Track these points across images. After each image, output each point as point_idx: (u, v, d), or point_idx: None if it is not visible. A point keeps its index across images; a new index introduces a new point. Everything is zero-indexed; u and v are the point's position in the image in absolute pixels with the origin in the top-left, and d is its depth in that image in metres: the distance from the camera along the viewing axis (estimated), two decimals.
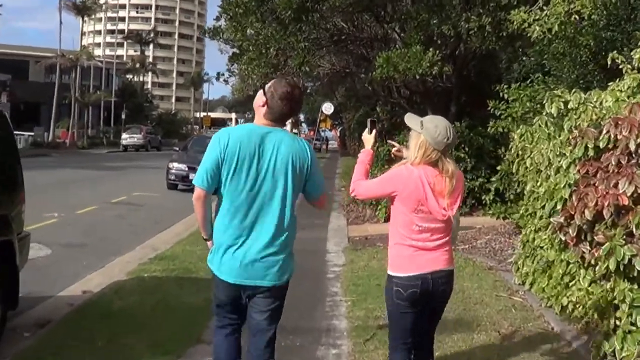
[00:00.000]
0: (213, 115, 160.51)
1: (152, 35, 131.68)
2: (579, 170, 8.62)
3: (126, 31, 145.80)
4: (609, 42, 13.73)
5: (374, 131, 6.43)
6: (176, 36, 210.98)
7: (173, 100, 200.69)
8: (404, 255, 5.85)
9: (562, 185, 9.12)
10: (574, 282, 9.12)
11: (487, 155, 20.13)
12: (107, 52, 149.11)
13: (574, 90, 10.22)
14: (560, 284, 9.52)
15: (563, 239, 8.76)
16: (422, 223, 5.75)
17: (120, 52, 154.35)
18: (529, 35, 13.80)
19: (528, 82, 16.11)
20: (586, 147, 8.66)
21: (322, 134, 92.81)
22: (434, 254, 5.83)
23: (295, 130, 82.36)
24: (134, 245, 16.12)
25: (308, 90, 70.24)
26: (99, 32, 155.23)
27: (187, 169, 29.04)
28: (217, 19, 21.17)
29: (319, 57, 24.49)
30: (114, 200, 25.38)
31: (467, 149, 19.60)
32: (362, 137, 6.54)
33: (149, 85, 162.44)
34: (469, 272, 12.81)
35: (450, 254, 5.97)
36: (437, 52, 17.32)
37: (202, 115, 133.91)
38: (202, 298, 10.10)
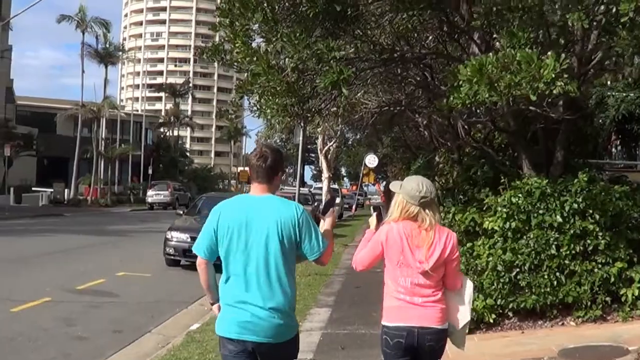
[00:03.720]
0: None
1: (186, 87, 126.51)
2: None
3: (164, 84, 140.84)
4: None
5: (374, 214, 6.82)
6: (215, 89, 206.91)
7: (212, 154, 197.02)
8: (393, 306, 6.28)
9: None
10: None
11: (628, 225, 13.06)
12: (146, 106, 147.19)
13: None
14: None
15: None
16: (407, 277, 6.21)
17: (159, 106, 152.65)
18: None
19: None
20: None
21: (365, 188, 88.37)
22: (422, 310, 6.18)
23: (335, 185, 76.43)
24: None
25: (349, 142, 64.47)
26: (137, 86, 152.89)
27: (190, 239, 22.08)
28: (214, 28, 13.97)
29: (363, 85, 17.54)
30: (84, 285, 18.68)
31: (597, 216, 12.50)
32: (369, 220, 6.95)
33: (188, 140, 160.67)
34: None
35: (442, 313, 6.26)
36: (563, 56, 10.36)
37: (239, 170, 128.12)
38: None
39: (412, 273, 6.19)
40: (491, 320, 12.71)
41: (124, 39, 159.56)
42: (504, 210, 12.82)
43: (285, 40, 12.19)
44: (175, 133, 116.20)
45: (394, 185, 6.54)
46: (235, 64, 14.08)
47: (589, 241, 12.54)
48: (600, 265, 12.57)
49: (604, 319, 12.73)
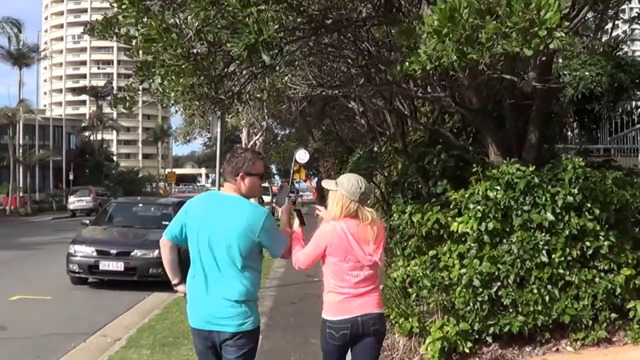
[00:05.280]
0: (180, 171, 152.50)
1: (108, 88, 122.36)
2: None
3: (86, 87, 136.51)
4: None
5: (295, 214, 7.00)
6: (140, 90, 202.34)
7: (140, 157, 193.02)
8: (336, 301, 6.47)
9: None
10: None
11: (633, 221, 10.33)
12: (71, 110, 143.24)
13: None
14: None
15: None
16: (352, 271, 6.40)
17: (83, 110, 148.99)
18: None
19: None
20: None
21: (296, 185, 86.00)
22: (363, 298, 6.44)
23: (265, 184, 73.90)
24: None
25: (279, 137, 61.89)
26: (60, 91, 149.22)
27: (96, 254, 19.24)
28: None
29: (290, 64, 14.73)
30: None
31: (596, 211, 9.77)
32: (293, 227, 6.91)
33: (114, 143, 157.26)
34: None
35: (379, 299, 6.61)
36: None
37: (166, 172, 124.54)
38: None
39: (359, 267, 6.40)
40: (467, 350, 9.85)
41: (45, 43, 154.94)
42: (478, 207, 9.94)
43: None
44: (100, 137, 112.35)
45: (328, 184, 6.69)
46: (132, 40, 11.07)
47: (587, 243, 9.83)
48: (602, 274, 9.89)
49: (609, 342, 10.06)
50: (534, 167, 9.96)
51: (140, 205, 24.89)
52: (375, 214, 6.55)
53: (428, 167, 13.49)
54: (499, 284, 9.80)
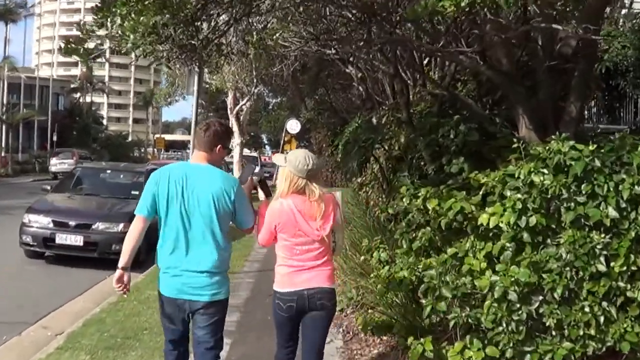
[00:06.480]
0: (170, 137, 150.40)
1: (98, 49, 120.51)
2: None
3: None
4: None
5: (259, 187, 7.16)
6: (133, 55, 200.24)
7: (130, 121, 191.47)
8: (284, 273, 6.67)
9: None
10: None
11: None
12: (62, 72, 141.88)
13: None
14: None
15: None
16: (302, 246, 6.58)
17: (75, 72, 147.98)
18: None
19: None
20: None
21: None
22: (310, 273, 6.58)
23: (254, 153, 72.19)
24: None
25: (270, 106, 60.25)
26: (51, 51, 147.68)
27: (52, 225, 17.12)
28: None
29: (280, 14, 12.55)
30: None
31: None
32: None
33: (105, 106, 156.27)
34: None
35: (329, 273, 6.72)
36: None
37: (155, 137, 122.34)
38: None
39: (308, 241, 6.57)
40: None
41: (39, 2, 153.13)
42: (517, 195, 7.54)
43: None
44: (89, 99, 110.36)
45: (278, 159, 6.86)
46: None
47: None
48: None
49: None
50: (594, 147, 7.46)
51: (109, 171, 22.61)
52: (324, 190, 6.69)
53: (442, 141, 11.15)
54: (540, 298, 7.42)
